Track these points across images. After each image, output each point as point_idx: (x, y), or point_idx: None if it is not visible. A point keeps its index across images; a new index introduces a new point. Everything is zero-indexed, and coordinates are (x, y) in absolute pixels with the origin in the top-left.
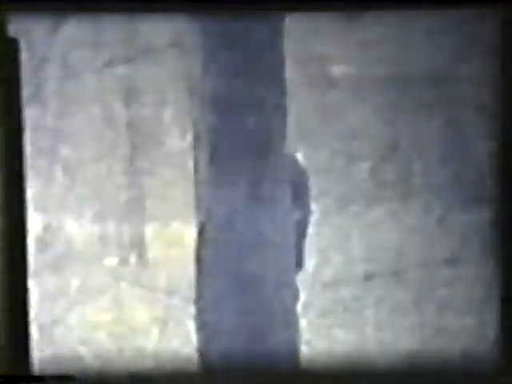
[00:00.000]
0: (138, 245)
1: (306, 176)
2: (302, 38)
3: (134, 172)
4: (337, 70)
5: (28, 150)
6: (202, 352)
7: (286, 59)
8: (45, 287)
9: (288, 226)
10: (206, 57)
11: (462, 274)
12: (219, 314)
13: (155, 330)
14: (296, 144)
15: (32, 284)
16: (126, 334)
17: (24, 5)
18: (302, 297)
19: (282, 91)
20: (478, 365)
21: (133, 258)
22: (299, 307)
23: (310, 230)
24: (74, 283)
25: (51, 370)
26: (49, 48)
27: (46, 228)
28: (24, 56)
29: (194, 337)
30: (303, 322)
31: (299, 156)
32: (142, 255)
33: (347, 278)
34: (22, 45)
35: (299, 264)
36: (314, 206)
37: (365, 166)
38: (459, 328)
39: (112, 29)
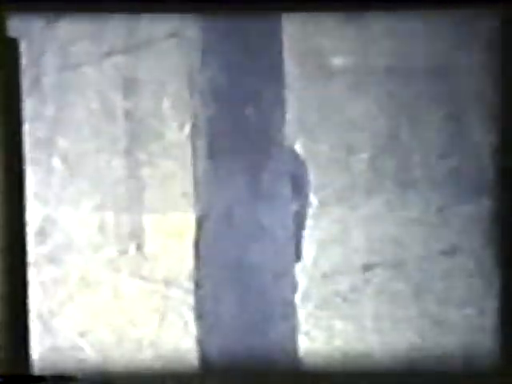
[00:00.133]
0: (137, 236)
1: (305, 168)
2: (301, 29)
3: (132, 163)
4: (336, 62)
5: (27, 141)
6: (201, 343)
7: (285, 51)
8: (44, 278)
9: (287, 217)
10: (205, 48)
11: (461, 265)
12: (218, 305)
13: (154, 321)
14: (295, 136)
15: (31, 275)
16: (124, 325)
17: (24, 5)
18: (301, 288)
19: (281, 83)
20: (477, 356)
21: (132, 250)
22: (298, 298)
23: (309, 221)
24: (73, 274)
25: (50, 361)
26: (48, 39)
27: (45, 219)
28: (23, 47)
29: (192, 328)
30: (302, 313)
31: (298, 148)
32: (140, 246)
33: (346, 270)
34: (21, 36)
35: (298, 255)
36: (312, 198)
37: (364, 158)
38: (458, 319)
39: (111, 20)
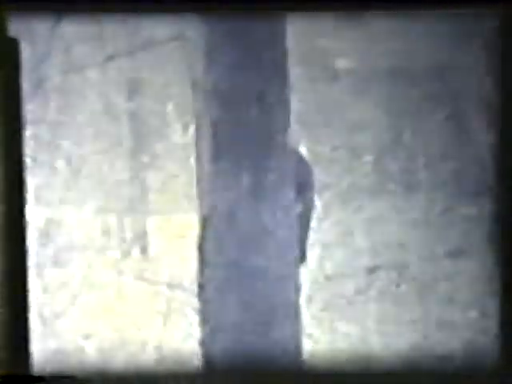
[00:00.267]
0: (141, 238)
1: (308, 169)
2: (304, 32)
3: (136, 165)
4: (339, 63)
5: (30, 143)
6: (205, 344)
7: (288, 53)
8: (47, 280)
9: (291, 219)
10: (208, 50)
11: (464, 267)
12: (222, 307)
13: (158, 323)
14: (299, 137)
15: (34, 277)
16: (128, 327)
17: (24, 5)
18: (305, 290)
19: (284, 85)
20: (479, 357)
21: (135, 252)
22: (302, 300)
23: (313, 223)
24: (77, 276)
25: (54, 362)
26: (51, 42)
27: (48, 221)
28: (26, 50)
29: (196, 329)
30: (306, 316)
31: (302, 149)
32: (144, 248)
33: (350, 272)
34: (24, 39)
35: (302, 257)
36: (316, 200)
37: (368, 160)
38: (461, 321)
39: (114, 22)
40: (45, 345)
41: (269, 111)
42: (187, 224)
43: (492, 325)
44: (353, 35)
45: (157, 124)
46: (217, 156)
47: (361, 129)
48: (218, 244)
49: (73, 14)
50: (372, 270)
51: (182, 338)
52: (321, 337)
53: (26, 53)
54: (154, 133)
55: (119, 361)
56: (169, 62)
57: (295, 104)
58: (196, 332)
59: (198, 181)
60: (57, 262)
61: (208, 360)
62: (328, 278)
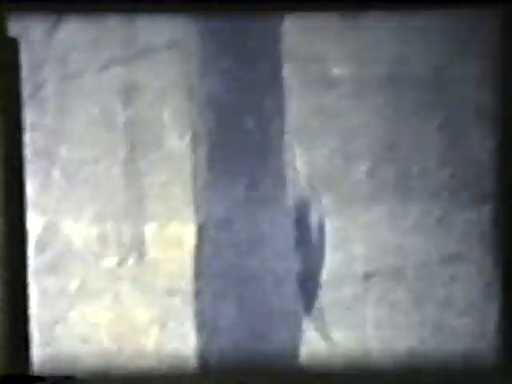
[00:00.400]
0: (138, 245)
1: (304, 177)
2: (300, 38)
3: (132, 172)
4: (335, 70)
5: (27, 150)
6: (202, 352)
7: (284, 60)
8: (44, 288)
9: (287, 226)
10: (204, 57)
11: (461, 273)
12: (218, 314)
13: (155, 330)
14: (295, 145)
15: (32, 284)
16: (125, 334)
17: (24, 5)
18: (302, 296)
19: (280, 92)
20: (477, 364)
21: (132, 259)
22: (299, 307)
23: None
24: (74, 284)
25: (51, 371)
26: (47, 49)
27: (46, 229)
28: (23, 57)
29: (193, 337)
30: (303, 322)
31: (298, 157)
32: (141, 256)
33: (347, 278)
34: (21, 46)
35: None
36: (313, 207)
37: (364, 167)
38: (459, 327)
39: (111, 29)
40: (42, 351)
41: (264, 119)
42: (184, 231)
43: (490, 330)
44: (349, 42)
45: (153, 131)
46: (213, 163)
47: (357, 136)
48: (214, 251)
49: (69, 20)
50: (369, 276)
51: (178, 344)
52: (318, 343)
53: (22, 59)
54: (151, 140)
55: (116, 367)
56: (165, 69)
57: (291, 111)
58: (193, 339)
59: (195, 188)
60: (53, 269)
61: (205, 367)
62: (325, 284)
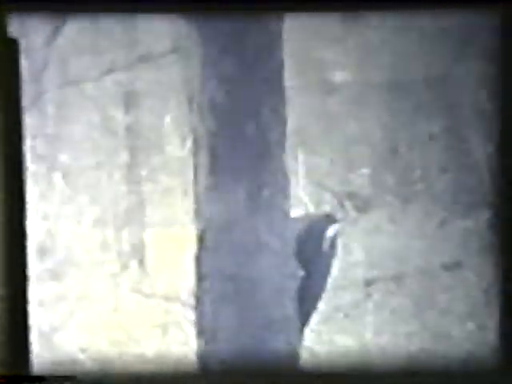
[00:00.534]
0: (138, 251)
1: (305, 182)
2: (300, 43)
3: (133, 179)
4: (336, 75)
5: (27, 156)
6: (202, 357)
7: (285, 65)
8: (45, 294)
9: (287, 232)
10: (205, 63)
11: (461, 279)
12: (219, 320)
13: (155, 336)
14: (295, 150)
15: (32, 291)
16: (126, 340)
17: (24, 5)
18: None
19: (281, 97)
20: (478, 370)
21: (133, 265)
22: (300, 313)
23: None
24: (74, 290)
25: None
26: (48, 55)
27: (46, 235)
28: (23, 63)
29: (193, 342)
30: (303, 328)
31: (299, 162)
32: (141, 262)
33: (347, 284)
34: (22, 52)
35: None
36: (314, 213)
37: (364, 172)
38: (459, 333)
39: (111, 35)
40: (42, 358)
41: (265, 124)
42: (184, 237)
43: (490, 337)
44: (349, 47)
45: (154, 137)
46: (214, 169)
47: (357, 141)
48: (214, 257)
49: (69, 26)
50: (369, 283)
51: (179, 350)
52: (318, 349)
53: (23, 66)
54: (151, 146)
55: (116, 373)
56: (166, 75)
57: (292, 117)
58: (193, 344)
59: (195, 194)
60: (54, 276)
61: (205, 372)
62: (325, 290)
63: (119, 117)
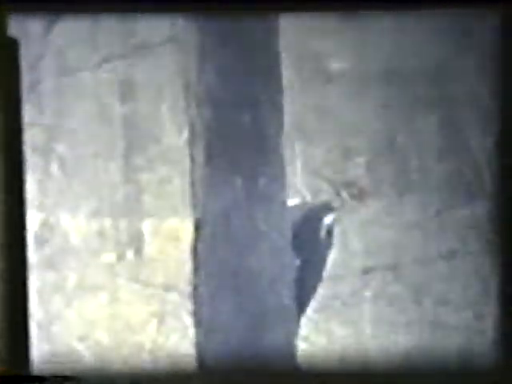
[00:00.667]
0: (135, 241)
1: (302, 171)
2: (297, 34)
3: (130, 169)
4: (333, 66)
5: (24, 146)
6: (199, 347)
7: (282, 56)
8: (42, 283)
9: (284, 221)
10: (202, 54)
11: (459, 268)
12: (216, 310)
13: (152, 326)
14: (292, 140)
15: (30, 280)
16: (123, 330)
17: (24, 5)
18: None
19: (278, 87)
20: (475, 359)
21: (130, 254)
22: (296, 302)
23: None
24: (72, 279)
25: (49, 365)
26: (45, 45)
27: (44, 225)
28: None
29: (191, 332)
30: (300, 317)
31: (296, 151)
32: (138, 251)
33: (345, 274)
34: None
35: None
36: (311, 203)
37: (361, 162)
38: (457, 322)
39: (108, 26)
40: (40, 348)
41: (262, 114)
42: (181, 227)
43: (487, 326)
44: (346, 38)
45: (151, 127)
46: (211, 159)
47: (355, 131)
48: (211, 247)
49: (66, 17)
50: (366, 272)
51: (176, 340)
52: (315, 338)
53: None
54: (148, 136)
55: (114, 363)
56: (162, 65)
57: (289, 107)
58: (190, 334)
59: (192, 184)
60: (52, 265)
61: (202, 362)
62: (323, 279)
63: (116, 106)
